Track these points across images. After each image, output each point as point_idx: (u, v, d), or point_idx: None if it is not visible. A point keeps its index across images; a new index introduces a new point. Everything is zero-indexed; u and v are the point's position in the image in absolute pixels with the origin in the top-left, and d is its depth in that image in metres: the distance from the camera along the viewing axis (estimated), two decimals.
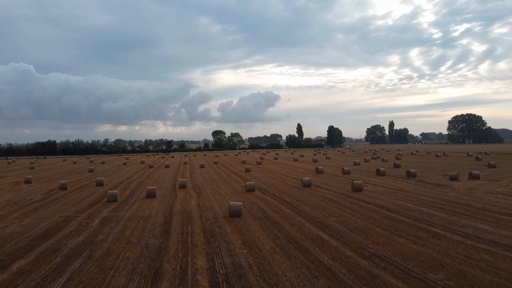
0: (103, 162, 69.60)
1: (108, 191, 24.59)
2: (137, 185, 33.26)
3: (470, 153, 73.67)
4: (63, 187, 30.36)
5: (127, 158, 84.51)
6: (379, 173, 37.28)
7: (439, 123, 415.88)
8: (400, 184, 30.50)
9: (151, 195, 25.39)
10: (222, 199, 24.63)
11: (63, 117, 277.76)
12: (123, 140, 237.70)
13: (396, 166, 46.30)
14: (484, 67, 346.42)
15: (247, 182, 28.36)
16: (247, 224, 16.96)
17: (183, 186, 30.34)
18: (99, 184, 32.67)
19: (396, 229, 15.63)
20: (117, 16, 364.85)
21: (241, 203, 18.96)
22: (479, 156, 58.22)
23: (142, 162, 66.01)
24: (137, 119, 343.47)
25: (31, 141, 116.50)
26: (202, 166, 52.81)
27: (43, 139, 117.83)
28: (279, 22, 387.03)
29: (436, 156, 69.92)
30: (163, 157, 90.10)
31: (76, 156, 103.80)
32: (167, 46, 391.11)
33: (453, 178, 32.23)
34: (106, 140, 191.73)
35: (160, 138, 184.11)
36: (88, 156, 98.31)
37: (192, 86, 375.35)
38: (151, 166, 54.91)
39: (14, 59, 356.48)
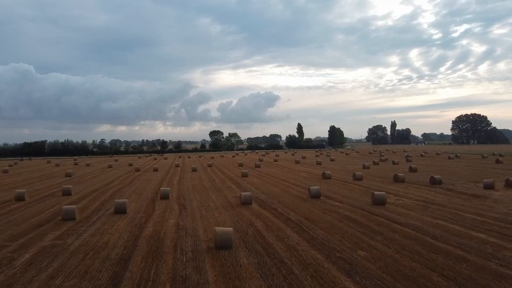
0: (87, 165, 64.16)
1: (64, 207, 19.23)
2: (111, 195, 27.91)
3: (485, 154, 68.52)
4: (19, 198, 25.04)
5: (116, 160, 79.07)
6: (397, 179, 32.02)
7: (438, 124, 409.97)
8: (428, 195, 25.23)
9: (120, 210, 20.07)
10: (210, 216, 19.34)
11: (62, 117, 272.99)
12: (120, 141, 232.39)
13: (412, 170, 41.09)
14: (483, 68, 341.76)
15: (243, 193, 23.08)
16: (239, 264, 11.66)
17: (165, 196, 25.07)
18: (66, 193, 27.32)
19: (463, 275, 10.37)
20: (117, 16, 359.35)
21: (231, 229, 13.66)
22: (500, 159, 53.03)
23: (130, 165, 60.62)
24: (136, 120, 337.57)
25: (31, 141, 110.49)
26: (194, 170, 47.50)
27: (41, 139, 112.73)
28: (279, 22, 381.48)
29: (449, 158, 64.77)
30: (155, 159, 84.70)
31: (64, 157, 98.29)
32: (167, 46, 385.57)
33: (489, 187, 27.03)
34: (102, 141, 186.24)
35: (158, 138, 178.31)
36: (75, 157, 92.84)
37: (192, 87, 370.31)
38: (137, 170, 49.56)
39: (14, 59, 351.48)
